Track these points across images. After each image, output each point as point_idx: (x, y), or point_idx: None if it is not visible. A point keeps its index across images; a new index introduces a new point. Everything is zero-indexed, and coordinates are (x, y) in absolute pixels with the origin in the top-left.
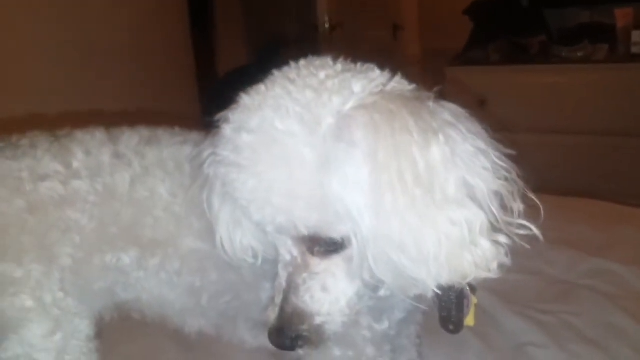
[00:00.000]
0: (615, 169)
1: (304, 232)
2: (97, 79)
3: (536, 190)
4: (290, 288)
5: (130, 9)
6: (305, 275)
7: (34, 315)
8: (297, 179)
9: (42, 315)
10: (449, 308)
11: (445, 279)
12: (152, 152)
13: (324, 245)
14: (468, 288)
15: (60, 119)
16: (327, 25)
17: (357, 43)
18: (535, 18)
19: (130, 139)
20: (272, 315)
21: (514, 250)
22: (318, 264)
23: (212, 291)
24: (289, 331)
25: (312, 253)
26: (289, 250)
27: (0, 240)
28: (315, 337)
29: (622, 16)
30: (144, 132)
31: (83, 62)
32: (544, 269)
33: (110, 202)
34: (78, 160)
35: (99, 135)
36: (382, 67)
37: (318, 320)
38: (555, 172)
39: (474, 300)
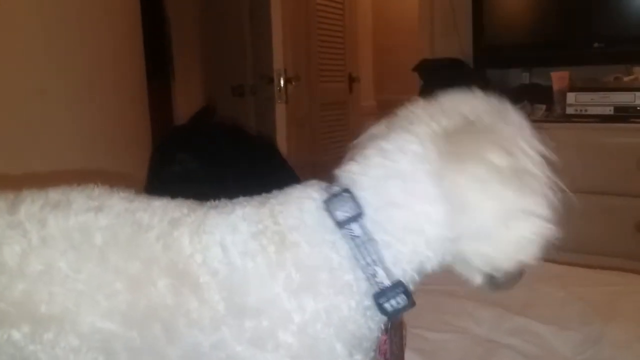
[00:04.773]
0: None
1: None
2: (46, 127)
3: None
4: None
5: (83, 53)
6: None
7: None
8: None
9: None
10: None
11: None
12: (55, 220)
13: None
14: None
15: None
16: (282, 78)
17: (312, 94)
18: (479, 78)
19: (32, 204)
20: None
21: (443, 310)
22: None
23: None
24: None
25: None
26: None
27: None
28: None
29: (557, 79)
30: (53, 195)
31: (30, 110)
32: (471, 327)
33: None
34: None
35: None
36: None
37: None
38: None
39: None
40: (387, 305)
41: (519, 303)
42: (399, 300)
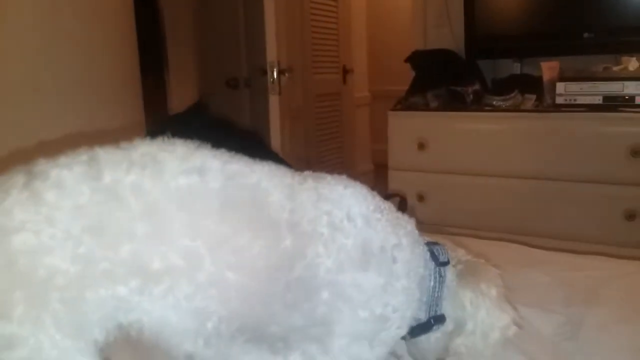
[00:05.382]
0: (540, 210)
1: None
2: (39, 123)
3: (471, 228)
4: None
5: (77, 48)
6: None
7: None
8: None
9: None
10: None
11: None
12: (152, 184)
13: None
14: None
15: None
16: (275, 70)
17: (306, 86)
18: (470, 68)
19: (117, 167)
20: None
21: None
22: None
23: (224, 317)
24: None
25: None
26: None
27: None
28: None
29: (548, 69)
30: (135, 156)
31: (23, 107)
32: None
33: (96, 240)
34: (48, 205)
35: (77, 169)
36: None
37: None
38: (487, 211)
39: None
40: (434, 327)
41: (506, 287)
42: (440, 326)
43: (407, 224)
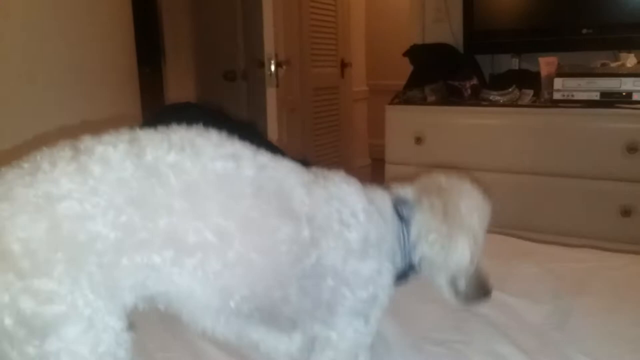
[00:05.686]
0: (536, 205)
1: None
2: (35, 114)
3: None
4: None
5: (74, 39)
6: None
7: (69, 317)
8: None
9: (76, 316)
10: None
11: None
12: (192, 165)
13: None
14: None
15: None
16: (272, 62)
17: (304, 79)
18: (468, 63)
19: (158, 147)
20: None
21: (422, 282)
22: None
23: (246, 296)
24: None
25: None
26: None
27: (30, 261)
28: None
29: (545, 64)
30: (175, 138)
31: (20, 98)
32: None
33: (137, 211)
34: (94, 177)
35: (121, 146)
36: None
37: None
38: None
39: None
40: (410, 274)
41: (495, 278)
42: (412, 274)
43: (384, 202)
